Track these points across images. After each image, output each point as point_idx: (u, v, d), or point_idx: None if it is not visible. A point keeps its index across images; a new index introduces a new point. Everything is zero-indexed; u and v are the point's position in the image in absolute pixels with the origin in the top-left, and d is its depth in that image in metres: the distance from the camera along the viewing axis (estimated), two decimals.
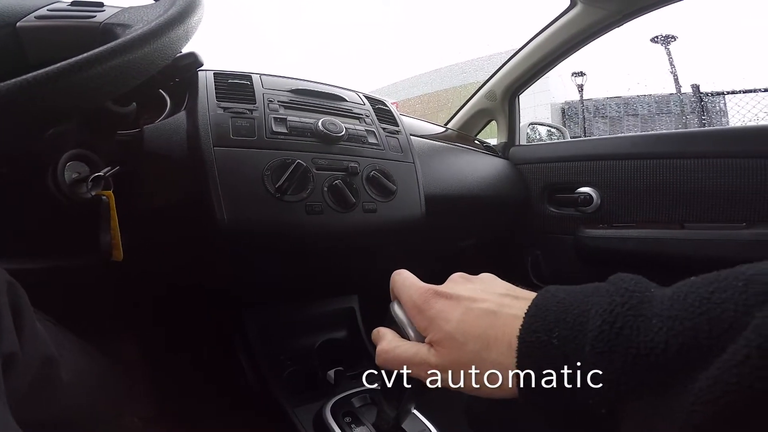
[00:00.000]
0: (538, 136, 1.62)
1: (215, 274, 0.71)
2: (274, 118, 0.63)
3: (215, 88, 0.63)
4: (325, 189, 0.62)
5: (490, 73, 1.33)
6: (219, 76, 0.67)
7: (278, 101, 0.67)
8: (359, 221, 0.65)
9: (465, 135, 1.32)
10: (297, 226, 0.60)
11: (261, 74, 0.72)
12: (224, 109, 0.60)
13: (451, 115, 1.44)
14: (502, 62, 1.31)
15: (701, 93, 3.92)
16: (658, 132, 1.10)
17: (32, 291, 0.38)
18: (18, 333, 0.33)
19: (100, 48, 0.32)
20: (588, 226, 1.11)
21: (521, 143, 1.35)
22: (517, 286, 0.30)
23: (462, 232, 1.12)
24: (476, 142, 1.31)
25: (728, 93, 3.86)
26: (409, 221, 0.72)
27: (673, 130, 1.07)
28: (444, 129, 1.23)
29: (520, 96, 1.36)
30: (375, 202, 0.67)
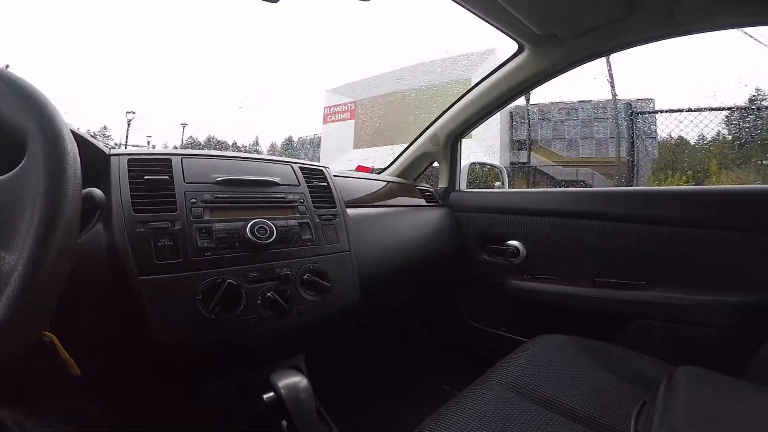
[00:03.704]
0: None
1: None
2: (198, 229, 0.60)
3: (130, 190, 0.59)
4: (259, 302, 0.62)
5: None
6: (134, 166, 0.62)
7: (202, 201, 0.63)
8: (294, 323, 0.66)
9: (407, 185, 1.35)
10: (233, 341, 0.60)
11: (182, 156, 0.68)
12: (143, 224, 0.57)
13: (394, 158, 1.46)
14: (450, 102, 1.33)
15: (632, 110, 4.30)
16: (579, 189, 1.19)
17: None
18: None
19: None
20: (515, 276, 1.20)
21: (461, 187, 1.41)
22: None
23: (401, 288, 1.16)
24: (418, 188, 1.35)
25: (659, 111, 4.26)
26: (346, 310, 0.74)
27: (595, 188, 1.18)
28: (385, 183, 1.25)
29: None
30: (310, 303, 0.68)
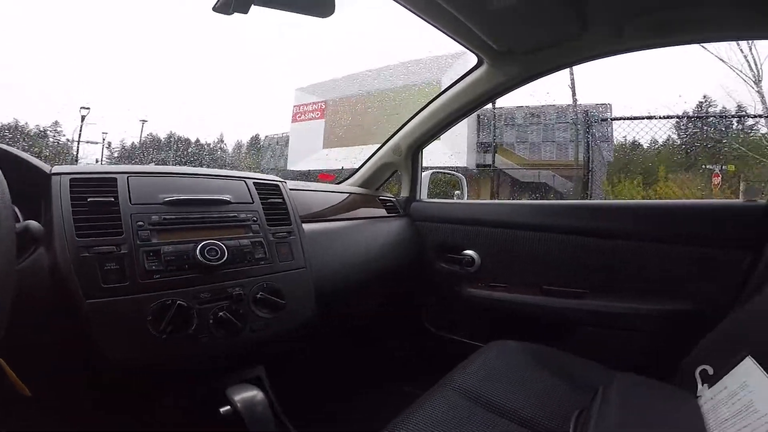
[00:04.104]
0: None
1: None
2: (146, 252, 0.59)
3: (73, 214, 0.57)
4: (211, 322, 0.62)
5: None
6: (77, 186, 0.60)
7: (149, 224, 0.62)
8: (248, 341, 0.67)
9: (368, 196, 1.37)
10: (186, 360, 0.61)
11: (128, 174, 0.66)
12: (88, 249, 0.56)
13: (357, 168, 1.48)
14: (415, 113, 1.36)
15: (588, 117, 4.54)
16: (530, 202, 1.26)
17: None
18: None
19: None
20: (471, 284, 1.25)
21: (422, 197, 1.44)
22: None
23: (363, 299, 1.18)
24: (380, 198, 1.37)
25: (614, 119, 4.54)
26: (301, 326, 0.75)
27: (544, 201, 1.24)
28: (346, 195, 1.27)
29: None
30: (264, 320, 0.68)
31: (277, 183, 0.89)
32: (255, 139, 11.70)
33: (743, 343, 0.65)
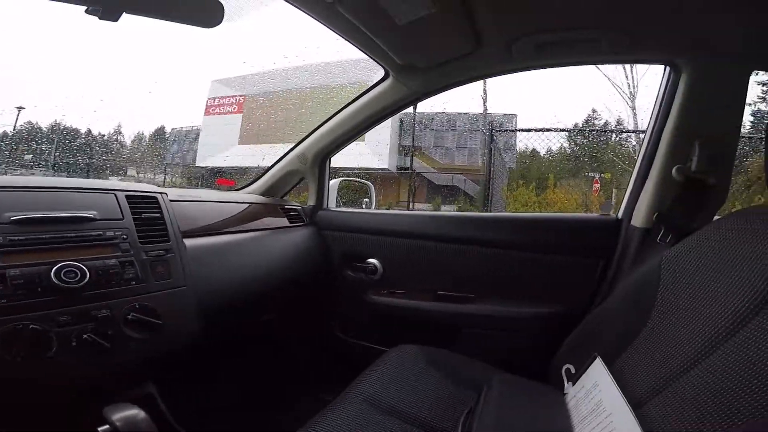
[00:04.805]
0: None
1: None
2: None
3: None
4: (74, 344, 0.58)
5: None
6: None
7: None
8: (122, 361, 0.63)
9: (270, 205, 1.32)
10: (49, 383, 0.57)
11: None
12: None
13: (259, 175, 1.43)
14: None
15: (492, 127, 4.99)
16: (427, 213, 1.34)
17: None
18: None
19: None
20: (374, 291, 1.29)
21: (330, 205, 1.44)
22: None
23: (265, 310, 1.15)
24: (285, 207, 1.34)
25: (503, 130, 5.03)
26: (185, 345, 0.72)
27: (438, 213, 1.34)
28: (245, 205, 1.21)
29: None
30: (138, 341, 0.64)
31: (155, 195, 0.82)
32: (160, 132, 10.60)
33: (595, 344, 0.76)
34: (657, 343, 0.64)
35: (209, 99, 10.44)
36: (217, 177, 8.87)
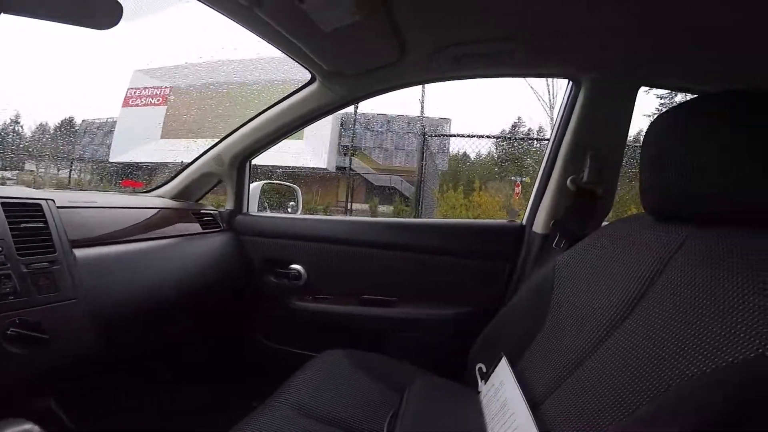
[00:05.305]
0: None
1: None
2: None
3: None
4: None
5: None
6: None
7: None
8: (3, 380, 0.60)
9: (180, 210, 1.23)
10: None
11: None
12: None
13: (172, 176, 1.32)
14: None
15: (425, 133, 5.19)
16: (349, 218, 1.34)
17: None
18: None
19: None
20: (299, 297, 1.27)
21: (251, 210, 1.38)
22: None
23: (177, 320, 1.08)
24: (200, 211, 1.25)
25: (450, 135, 5.25)
26: (79, 358, 0.69)
27: (361, 218, 1.34)
28: (156, 210, 1.12)
29: None
30: (21, 356, 0.61)
31: (38, 202, 0.73)
32: (68, 123, 9.41)
33: (501, 344, 0.80)
34: (552, 344, 0.68)
35: (130, 89, 9.52)
36: (135, 173, 8.11)
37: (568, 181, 1.03)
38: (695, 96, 0.68)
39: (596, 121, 1.03)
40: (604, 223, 1.04)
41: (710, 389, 0.40)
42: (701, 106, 0.59)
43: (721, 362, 0.41)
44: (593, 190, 1.01)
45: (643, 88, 1.03)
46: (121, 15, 0.63)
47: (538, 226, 1.09)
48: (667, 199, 0.61)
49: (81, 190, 2.25)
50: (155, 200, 1.21)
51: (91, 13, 0.63)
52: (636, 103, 1.02)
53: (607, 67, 0.99)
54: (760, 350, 0.39)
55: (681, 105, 0.62)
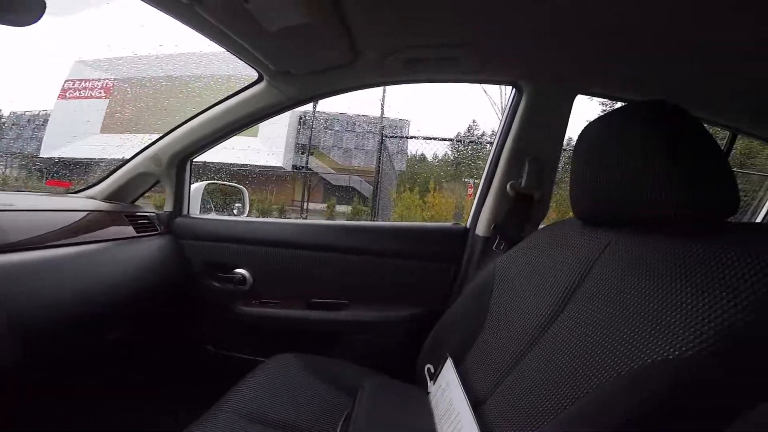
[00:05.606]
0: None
1: None
2: None
3: None
4: None
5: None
6: None
7: None
8: None
9: (113, 213, 1.15)
10: None
11: None
12: None
13: (104, 176, 1.23)
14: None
15: (383, 134, 5.22)
16: (296, 222, 1.32)
17: None
18: None
19: None
20: (245, 302, 1.23)
21: (191, 212, 1.31)
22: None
23: (114, 323, 1.01)
24: (135, 214, 1.17)
25: (408, 137, 5.33)
26: None
27: (308, 222, 1.32)
28: (86, 212, 1.03)
29: None
30: None
31: None
32: None
33: (447, 344, 0.81)
34: (491, 344, 0.70)
35: (68, 81, 8.73)
36: (62, 172, 7.46)
37: (508, 186, 1.07)
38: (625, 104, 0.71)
39: (536, 126, 1.07)
40: (541, 226, 1.09)
41: (630, 390, 0.41)
42: (627, 114, 0.61)
43: (639, 362, 0.42)
44: (531, 194, 1.06)
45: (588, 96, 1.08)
46: (44, 10, 0.60)
47: (481, 229, 1.12)
48: (595, 204, 0.64)
49: (2, 190, 2.04)
50: (85, 202, 1.12)
51: (14, 10, 0.60)
52: (580, 110, 1.07)
53: (546, 75, 1.03)
54: (677, 352, 0.40)
55: (601, 117, 0.65)
